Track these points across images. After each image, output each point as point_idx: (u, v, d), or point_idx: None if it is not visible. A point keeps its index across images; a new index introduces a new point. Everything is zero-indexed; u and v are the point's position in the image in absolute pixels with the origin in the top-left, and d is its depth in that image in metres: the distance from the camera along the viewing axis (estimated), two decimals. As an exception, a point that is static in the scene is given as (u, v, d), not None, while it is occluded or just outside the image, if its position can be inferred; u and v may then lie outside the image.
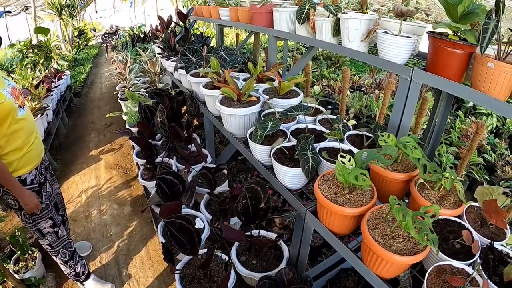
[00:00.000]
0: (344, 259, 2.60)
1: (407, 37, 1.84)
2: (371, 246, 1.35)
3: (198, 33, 4.63)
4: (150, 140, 3.11)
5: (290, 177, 1.90)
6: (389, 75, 5.63)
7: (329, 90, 5.91)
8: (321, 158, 1.87)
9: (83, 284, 2.56)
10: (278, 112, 2.35)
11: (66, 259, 2.36)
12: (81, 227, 3.43)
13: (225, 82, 2.61)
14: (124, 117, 3.72)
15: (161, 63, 4.22)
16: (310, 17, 2.35)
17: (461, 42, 1.54)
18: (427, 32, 1.70)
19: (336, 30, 2.27)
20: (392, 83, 3.35)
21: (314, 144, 1.95)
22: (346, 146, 2.05)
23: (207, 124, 3.06)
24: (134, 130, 3.47)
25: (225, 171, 2.72)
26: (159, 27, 4.74)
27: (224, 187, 2.64)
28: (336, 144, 2.08)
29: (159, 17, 4.59)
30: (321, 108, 2.51)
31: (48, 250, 2.28)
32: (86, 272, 2.54)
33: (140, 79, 4.53)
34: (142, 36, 6.30)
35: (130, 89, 4.24)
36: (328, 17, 2.28)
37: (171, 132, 2.77)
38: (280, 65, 2.85)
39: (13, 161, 1.91)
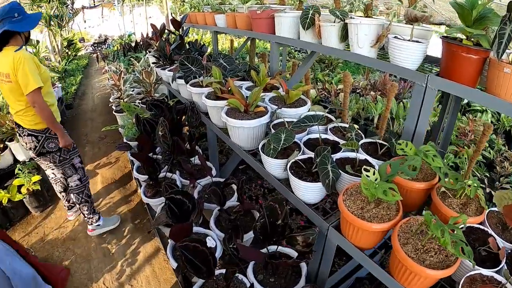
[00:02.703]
0: (358, 267, 2.54)
1: (417, 42, 1.76)
2: (405, 262, 1.28)
3: (193, 40, 4.48)
4: (151, 154, 2.96)
5: (309, 192, 1.77)
6: (384, 76, 5.57)
7: (325, 93, 5.82)
8: (340, 171, 1.75)
9: (97, 221, 3.27)
10: (287, 122, 2.23)
11: (90, 194, 3.15)
12: (81, 246, 3.24)
13: (228, 92, 2.48)
14: (121, 130, 3.54)
15: (157, 73, 4.06)
16: (316, 23, 2.24)
17: (476, 47, 1.49)
18: (440, 37, 1.64)
19: (344, 35, 2.17)
20: (395, 86, 3.24)
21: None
22: (362, 155, 1.94)
23: (210, 136, 2.91)
24: (132, 143, 3.30)
25: (234, 185, 2.58)
26: (151, 36, 4.58)
27: (232, 201, 2.49)
28: (351, 154, 1.97)
29: (152, 26, 4.43)
30: (330, 116, 2.40)
31: (78, 186, 3.00)
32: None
33: (134, 90, 4.36)
34: (133, 45, 6.12)
35: (125, 100, 4.07)
36: (334, 22, 2.17)
37: (174, 146, 2.61)
38: (283, 72, 2.73)
39: (53, 112, 2.64)
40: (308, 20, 2.31)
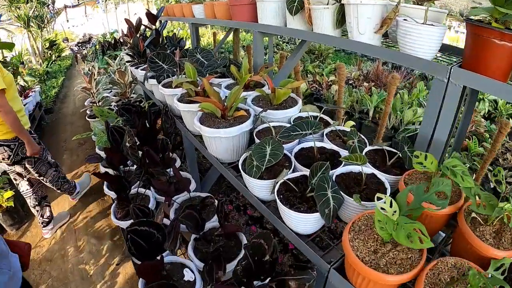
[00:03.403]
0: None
1: (432, 25, 1.32)
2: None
3: (171, 35, 3.97)
4: (122, 167, 2.49)
5: (303, 223, 1.33)
6: (377, 65, 5.12)
7: (316, 86, 5.36)
8: (343, 196, 1.31)
9: (75, 192, 3.41)
10: (274, 127, 1.78)
11: (64, 175, 3.25)
12: (57, 269, 2.82)
13: (203, 93, 2.01)
14: (94, 138, 3.07)
15: (131, 72, 3.56)
16: (305, 6, 1.78)
17: (512, 32, 1.07)
18: (464, 19, 1.27)
19: (339, 20, 1.71)
20: (396, 78, 2.80)
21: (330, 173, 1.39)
22: (368, 169, 1.50)
23: (187, 144, 2.45)
24: (103, 153, 2.84)
25: (215, 201, 2.13)
26: (127, 32, 4.06)
27: (214, 222, 2.05)
28: (354, 168, 1.53)
29: (127, 21, 3.91)
30: (325, 117, 1.95)
31: (54, 175, 3.08)
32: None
33: (111, 91, 3.86)
34: (113, 42, 5.58)
35: (100, 103, 3.58)
36: (328, 3, 1.71)
37: (145, 158, 2.15)
38: (269, 66, 2.27)
39: (21, 117, 2.56)
40: (296, 4, 1.85)
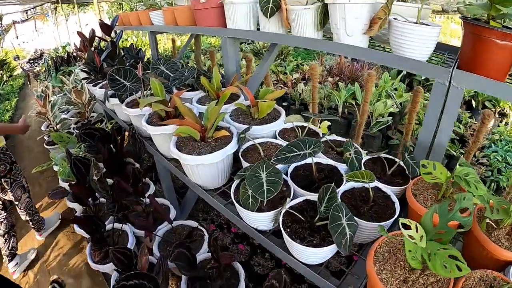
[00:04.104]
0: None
1: (426, 25, 1.20)
2: None
3: (128, 45, 3.54)
4: (90, 199, 2.11)
5: (316, 256, 1.08)
6: (340, 59, 4.98)
7: (281, 85, 5.14)
8: (357, 220, 1.09)
9: (43, 228, 2.94)
10: (260, 144, 1.51)
11: (34, 207, 2.81)
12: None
13: (176, 112, 1.69)
14: (55, 168, 2.63)
15: (89, 90, 3.11)
16: (282, 7, 1.52)
17: (512, 31, 1.01)
18: (461, 18, 1.18)
19: (321, 21, 1.48)
20: (372, 75, 2.64)
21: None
22: (372, 183, 1.29)
23: (160, 168, 2.10)
24: (67, 185, 2.41)
25: (203, 231, 1.83)
26: (80, 46, 3.57)
27: (204, 253, 1.75)
28: (356, 184, 1.32)
29: (80, 34, 3.42)
30: (314, 127, 1.70)
31: (28, 202, 2.70)
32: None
33: (68, 111, 3.37)
34: (66, 57, 4.99)
35: (58, 126, 3.10)
36: (307, 3, 1.47)
37: (115, 190, 1.80)
38: (244, 74, 1.99)
39: None
40: (271, 5, 1.59)
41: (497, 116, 4.34)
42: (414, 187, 1.21)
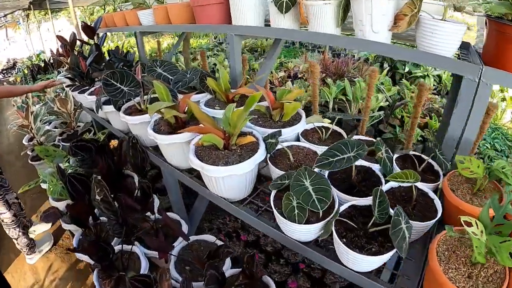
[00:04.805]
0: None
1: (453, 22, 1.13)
2: None
3: (110, 49, 3.18)
4: (91, 219, 1.80)
5: (374, 264, 0.92)
6: (323, 56, 4.83)
7: (268, 84, 4.91)
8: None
9: (34, 251, 2.53)
10: (288, 148, 1.29)
11: (23, 226, 2.40)
12: None
13: (187, 120, 1.43)
14: (43, 186, 2.26)
15: (74, 98, 2.74)
16: (301, 2, 1.32)
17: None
18: (487, 16, 1.13)
19: (342, 17, 1.31)
20: (375, 72, 2.47)
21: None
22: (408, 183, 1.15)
23: (169, 181, 1.82)
24: (60, 204, 2.08)
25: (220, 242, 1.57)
26: (61, 51, 3.16)
27: (227, 268, 1.50)
28: (394, 184, 1.19)
29: (59, 38, 3.03)
30: (337, 128, 1.51)
31: (13, 221, 2.32)
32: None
33: (50, 123, 2.97)
34: (42, 65, 4.50)
35: (42, 139, 2.71)
36: None
37: (122, 209, 1.51)
38: (256, 75, 1.74)
39: None
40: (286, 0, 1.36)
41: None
42: (449, 183, 1.15)
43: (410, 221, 0.96)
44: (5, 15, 11.49)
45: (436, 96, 3.96)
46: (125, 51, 3.08)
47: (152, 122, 1.54)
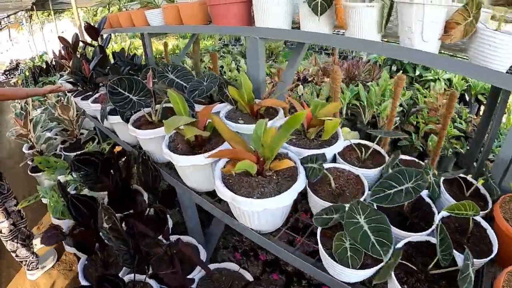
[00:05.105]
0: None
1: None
2: None
3: (114, 51, 2.93)
4: (96, 241, 1.56)
5: None
6: (333, 59, 4.60)
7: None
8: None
9: (36, 267, 2.29)
10: (325, 171, 1.06)
11: (24, 238, 2.18)
12: None
13: (211, 137, 1.20)
14: (44, 201, 2.03)
15: (76, 104, 2.51)
16: (338, 4, 1.09)
17: None
18: None
19: (385, 22, 1.09)
20: (403, 78, 2.23)
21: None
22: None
23: (185, 203, 1.58)
24: (63, 223, 1.84)
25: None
26: (63, 53, 2.92)
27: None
28: (445, 214, 0.99)
29: (61, 39, 2.79)
30: (378, 148, 1.30)
31: (11, 231, 2.08)
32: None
33: (51, 130, 2.73)
34: (44, 67, 4.26)
35: (42, 147, 2.47)
36: (371, 1, 1.05)
37: (134, 237, 1.29)
38: (277, 85, 1.52)
39: None
40: (322, 0, 1.14)
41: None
42: (502, 210, 1.00)
43: (476, 260, 0.79)
44: (8, 16, 11.19)
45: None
46: (131, 53, 2.85)
47: (167, 138, 1.30)
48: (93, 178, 1.74)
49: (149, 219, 1.55)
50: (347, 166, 1.22)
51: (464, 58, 1.21)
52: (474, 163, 2.33)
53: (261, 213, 0.97)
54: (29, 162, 2.50)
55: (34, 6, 8.45)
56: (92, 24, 2.56)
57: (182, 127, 1.09)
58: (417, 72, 4.39)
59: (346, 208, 0.88)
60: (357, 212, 0.87)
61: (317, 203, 1.07)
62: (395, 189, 0.92)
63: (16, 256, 2.23)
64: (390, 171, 1.22)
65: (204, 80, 1.58)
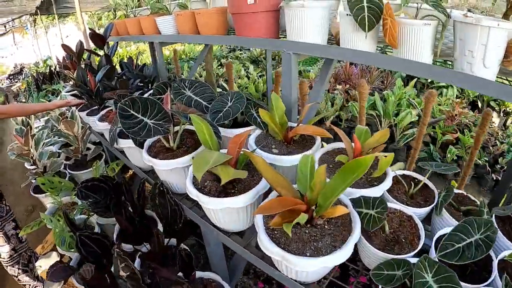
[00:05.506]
0: None
1: None
2: None
3: (121, 58, 2.71)
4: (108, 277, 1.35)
5: None
6: (346, 65, 4.38)
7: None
8: None
9: None
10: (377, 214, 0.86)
11: (26, 262, 1.99)
12: None
13: (251, 177, 0.99)
14: (49, 226, 1.82)
15: (81, 119, 2.29)
16: (387, 20, 0.88)
17: None
18: None
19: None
20: (434, 94, 2.03)
21: None
22: None
23: (211, 242, 1.37)
24: (72, 254, 1.63)
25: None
26: (67, 62, 2.71)
27: None
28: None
29: (65, 47, 2.58)
30: (428, 182, 1.11)
31: (12, 256, 1.90)
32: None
33: (53, 144, 2.50)
34: (48, 73, 4.03)
35: (46, 162, 2.26)
36: (425, 18, 0.85)
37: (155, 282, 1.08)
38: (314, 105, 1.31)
39: None
40: (367, 13, 0.95)
41: (501, 115, 3.94)
42: None
43: None
44: (12, 20, 10.94)
45: (468, 110, 3.53)
46: (140, 63, 2.64)
47: (191, 173, 1.09)
48: (103, 206, 1.53)
49: (168, 254, 1.35)
50: (398, 206, 1.03)
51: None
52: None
53: (313, 271, 0.77)
54: (32, 181, 2.28)
55: (38, 10, 8.21)
56: (98, 31, 2.35)
57: (219, 169, 0.88)
58: (429, 79, 4.19)
59: (412, 263, 0.70)
60: (424, 270, 0.70)
61: (373, 254, 0.87)
62: (464, 243, 0.74)
63: (19, 280, 2.04)
64: (444, 210, 1.03)
65: (227, 100, 1.38)
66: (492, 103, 4.02)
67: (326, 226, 0.83)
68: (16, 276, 2.01)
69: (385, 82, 4.07)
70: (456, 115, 3.33)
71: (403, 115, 3.07)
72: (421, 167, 1.14)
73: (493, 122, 3.72)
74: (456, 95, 4.05)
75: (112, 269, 1.31)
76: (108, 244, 1.32)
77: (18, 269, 1.98)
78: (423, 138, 3.39)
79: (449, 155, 3.01)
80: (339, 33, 1.13)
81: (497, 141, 3.24)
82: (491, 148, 3.21)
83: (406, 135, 3.07)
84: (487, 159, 3.10)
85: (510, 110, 3.97)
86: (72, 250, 1.62)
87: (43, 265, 2.31)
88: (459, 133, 3.19)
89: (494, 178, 3.00)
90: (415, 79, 4.01)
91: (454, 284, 0.70)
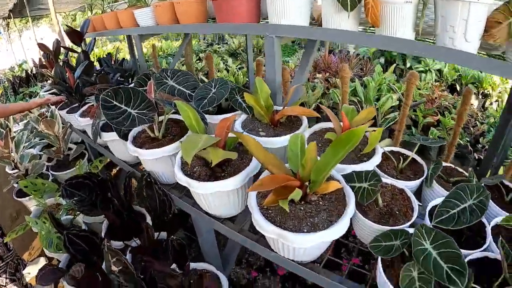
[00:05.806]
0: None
1: None
2: None
3: (99, 56, 2.59)
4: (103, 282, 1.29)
5: None
6: (324, 53, 4.39)
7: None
8: None
9: None
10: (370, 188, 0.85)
11: (13, 271, 2.05)
12: None
13: (240, 160, 0.95)
14: (35, 229, 1.72)
15: (61, 117, 2.18)
16: (368, 0, 0.87)
17: None
18: None
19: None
20: (416, 75, 2.02)
21: None
22: None
23: (202, 229, 1.32)
24: (60, 256, 1.55)
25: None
26: (44, 61, 2.57)
27: None
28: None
29: (41, 46, 2.44)
30: (416, 157, 1.12)
31: None
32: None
33: (34, 146, 2.37)
34: (24, 76, 3.82)
35: (28, 166, 2.14)
36: None
37: (147, 273, 1.04)
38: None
39: None
40: None
41: (480, 97, 4.06)
42: None
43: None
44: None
45: (447, 93, 3.61)
46: (119, 58, 2.54)
47: (179, 159, 1.04)
48: (89, 203, 1.46)
49: (159, 248, 1.30)
50: (389, 180, 1.02)
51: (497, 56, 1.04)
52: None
53: (311, 247, 0.75)
54: (15, 185, 2.16)
55: (11, 14, 7.80)
56: (74, 28, 2.23)
57: (209, 151, 0.84)
58: (408, 64, 4.26)
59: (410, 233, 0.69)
60: (422, 237, 0.69)
61: (368, 227, 0.86)
62: (458, 208, 0.74)
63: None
64: (434, 182, 1.03)
65: (211, 86, 1.33)
66: (471, 86, 4.12)
67: (320, 202, 0.81)
68: (4, 286, 1.92)
69: (364, 69, 4.11)
70: (436, 98, 3.40)
71: (384, 100, 3.10)
72: (408, 140, 1.14)
73: (472, 104, 3.82)
74: (435, 79, 4.13)
75: (104, 266, 1.25)
76: (97, 241, 1.26)
77: (6, 278, 1.89)
78: (406, 122, 3.45)
79: (431, 137, 3.07)
80: (321, 16, 1.11)
81: (477, 122, 3.33)
82: (471, 129, 3.29)
83: (388, 119, 3.10)
84: (468, 140, 3.17)
85: (488, 92, 4.09)
86: (60, 251, 1.54)
87: (31, 272, 2.20)
88: (440, 116, 3.25)
89: (476, 157, 3.08)
90: (394, 65, 4.06)
91: (452, 249, 0.69)
